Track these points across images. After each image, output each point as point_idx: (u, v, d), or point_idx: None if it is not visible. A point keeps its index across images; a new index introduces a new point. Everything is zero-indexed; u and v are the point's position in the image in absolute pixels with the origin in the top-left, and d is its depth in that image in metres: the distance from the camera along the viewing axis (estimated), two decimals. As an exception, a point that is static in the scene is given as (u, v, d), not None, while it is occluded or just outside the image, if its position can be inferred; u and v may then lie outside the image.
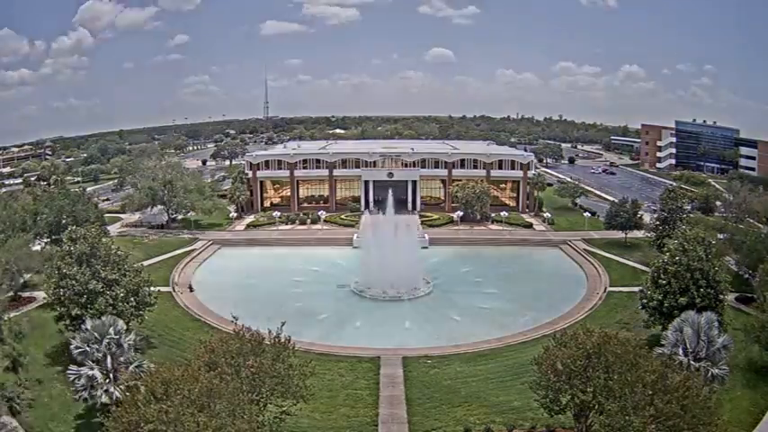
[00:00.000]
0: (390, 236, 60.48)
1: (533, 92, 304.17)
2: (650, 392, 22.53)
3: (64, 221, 60.02)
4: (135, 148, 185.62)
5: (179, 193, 79.58)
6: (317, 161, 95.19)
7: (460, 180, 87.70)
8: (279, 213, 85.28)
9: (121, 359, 31.06)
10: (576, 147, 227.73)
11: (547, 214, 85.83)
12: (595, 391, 24.75)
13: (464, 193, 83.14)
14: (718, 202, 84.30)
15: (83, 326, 31.59)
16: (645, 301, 40.88)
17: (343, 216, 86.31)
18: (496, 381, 36.48)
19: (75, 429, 31.37)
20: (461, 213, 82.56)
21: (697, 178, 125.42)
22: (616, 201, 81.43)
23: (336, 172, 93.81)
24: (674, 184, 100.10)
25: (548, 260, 68.97)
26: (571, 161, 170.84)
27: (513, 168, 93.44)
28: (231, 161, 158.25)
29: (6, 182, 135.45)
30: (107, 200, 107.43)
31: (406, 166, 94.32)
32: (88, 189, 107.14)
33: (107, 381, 30.14)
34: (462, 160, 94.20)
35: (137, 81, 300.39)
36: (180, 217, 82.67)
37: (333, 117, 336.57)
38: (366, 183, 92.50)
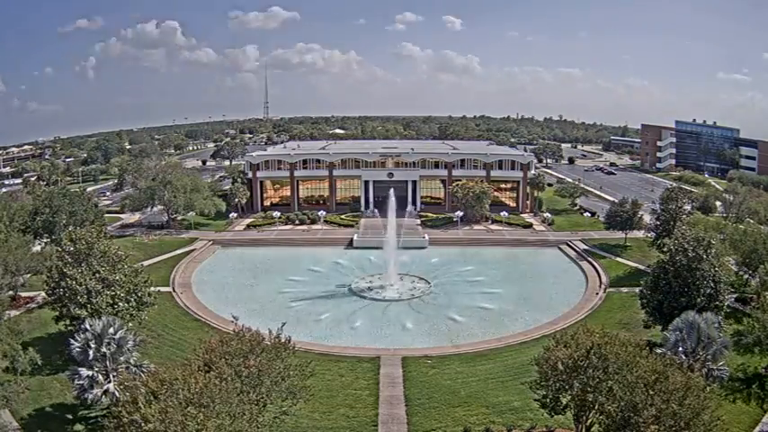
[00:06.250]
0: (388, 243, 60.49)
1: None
2: (650, 393, 22.52)
3: (64, 221, 59.92)
4: (135, 147, 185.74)
5: (179, 193, 79.51)
6: (317, 161, 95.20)
7: (460, 180, 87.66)
8: (279, 213, 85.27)
9: (121, 359, 31.08)
10: (576, 147, 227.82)
11: (547, 214, 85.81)
12: (595, 391, 24.75)
13: (464, 193, 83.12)
14: (717, 202, 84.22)
15: (82, 326, 31.53)
16: (645, 301, 40.87)
17: (342, 216, 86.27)
18: (496, 381, 36.41)
19: (75, 429, 31.26)
20: (461, 213, 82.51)
21: (697, 178, 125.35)
22: (616, 201, 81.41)
23: (336, 172, 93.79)
24: (674, 184, 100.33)
25: (547, 260, 68.94)
26: (571, 161, 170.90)
27: (513, 168, 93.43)
28: (231, 161, 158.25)
29: (6, 182, 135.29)
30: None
31: (406, 166, 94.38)
32: (88, 189, 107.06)
33: (107, 381, 30.16)
34: (462, 160, 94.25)
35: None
36: (180, 217, 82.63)
37: (333, 117, 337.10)
38: (366, 183, 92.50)
